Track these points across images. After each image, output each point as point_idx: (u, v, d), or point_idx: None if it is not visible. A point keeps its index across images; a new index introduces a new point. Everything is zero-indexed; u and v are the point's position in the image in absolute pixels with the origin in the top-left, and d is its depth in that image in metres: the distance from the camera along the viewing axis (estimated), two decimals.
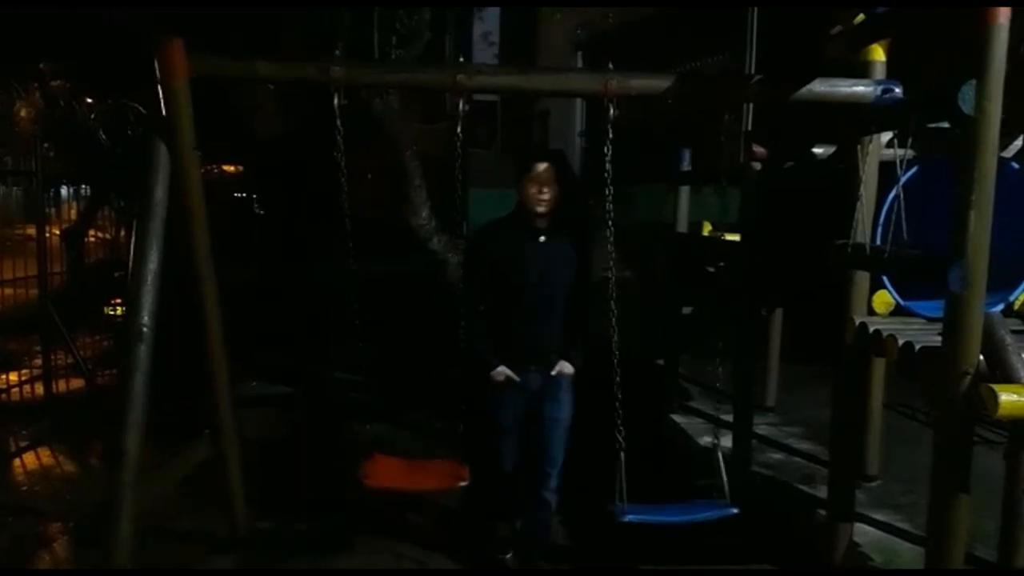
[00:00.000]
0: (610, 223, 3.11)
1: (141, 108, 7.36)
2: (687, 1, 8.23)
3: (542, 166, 3.29)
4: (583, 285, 3.44)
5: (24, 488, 4.56)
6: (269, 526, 3.87)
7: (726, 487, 3.18)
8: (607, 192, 3.11)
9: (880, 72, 3.22)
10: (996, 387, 2.26)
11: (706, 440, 5.14)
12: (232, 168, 12.02)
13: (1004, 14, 2.24)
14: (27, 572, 3.68)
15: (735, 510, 3.10)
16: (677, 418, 5.52)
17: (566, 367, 3.42)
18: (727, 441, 4.85)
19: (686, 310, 5.62)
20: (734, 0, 7.60)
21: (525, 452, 3.50)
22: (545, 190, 3.28)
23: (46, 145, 7.05)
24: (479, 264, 3.47)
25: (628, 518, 3.03)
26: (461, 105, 3.08)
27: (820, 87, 3.05)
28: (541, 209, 3.29)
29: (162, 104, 2.95)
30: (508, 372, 3.36)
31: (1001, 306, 2.94)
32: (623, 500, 3.04)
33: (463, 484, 3.18)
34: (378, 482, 3.18)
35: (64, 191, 7.71)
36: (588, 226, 3.63)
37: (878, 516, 3.86)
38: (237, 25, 7.38)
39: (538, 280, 3.32)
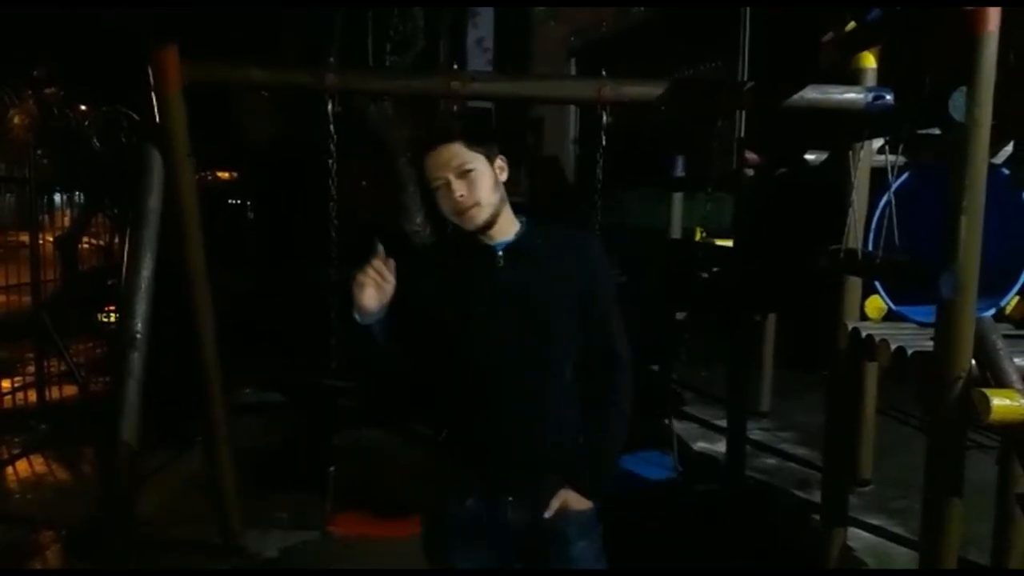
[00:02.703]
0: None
1: (135, 115, 7.35)
2: (680, 5, 8.26)
3: (439, 150, 1.76)
4: (605, 332, 1.89)
5: (17, 496, 4.53)
6: (259, 535, 3.85)
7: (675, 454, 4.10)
8: (600, 198, 3.12)
9: (871, 79, 3.25)
10: (988, 392, 2.27)
11: (701, 445, 5.17)
12: (227, 175, 11.99)
13: (994, 22, 2.26)
14: (26, 572, 3.66)
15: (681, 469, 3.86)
16: (672, 423, 5.53)
17: (573, 500, 1.81)
18: (721, 446, 4.88)
19: (680, 315, 5.63)
20: (727, 6, 7.64)
21: None
22: (461, 187, 1.75)
23: (39, 152, 7.03)
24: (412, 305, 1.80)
25: None
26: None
27: (812, 94, 3.07)
28: (472, 223, 1.77)
29: (156, 111, 2.95)
30: None
31: (992, 311, 2.95)
32: None
33: None
34: (345, 530, 3.13)
35: (57, 198, 7.67)
36: (591, 228, 2.88)
37: (872, 520, 3.89)
38: (237, 25, 7.39)
39: (500, 334, 1.78)
